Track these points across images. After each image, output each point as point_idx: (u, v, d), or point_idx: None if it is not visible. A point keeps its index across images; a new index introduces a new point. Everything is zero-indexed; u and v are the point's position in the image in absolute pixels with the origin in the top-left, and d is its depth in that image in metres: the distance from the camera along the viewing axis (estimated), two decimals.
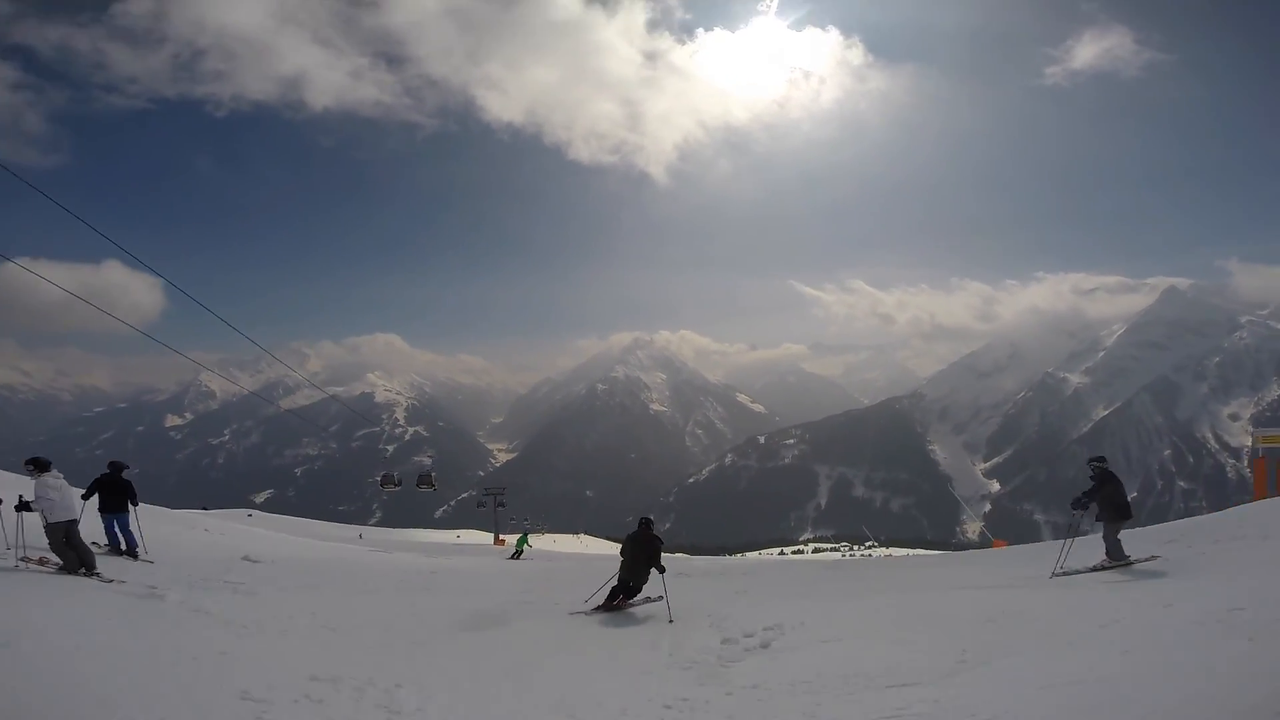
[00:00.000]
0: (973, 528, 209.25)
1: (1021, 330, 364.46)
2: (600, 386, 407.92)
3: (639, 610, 9.32)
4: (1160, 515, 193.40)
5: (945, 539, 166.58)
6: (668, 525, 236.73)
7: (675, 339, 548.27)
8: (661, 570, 9.05)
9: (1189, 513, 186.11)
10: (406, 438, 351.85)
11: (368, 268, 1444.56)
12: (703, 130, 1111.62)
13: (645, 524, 9.52)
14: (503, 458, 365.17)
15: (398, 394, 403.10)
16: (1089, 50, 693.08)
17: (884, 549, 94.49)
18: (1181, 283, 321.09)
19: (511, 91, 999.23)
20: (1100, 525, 10.33)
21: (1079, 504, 10.11)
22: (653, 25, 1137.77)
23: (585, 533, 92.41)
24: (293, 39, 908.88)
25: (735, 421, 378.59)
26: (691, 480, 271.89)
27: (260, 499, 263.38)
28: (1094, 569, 10.12)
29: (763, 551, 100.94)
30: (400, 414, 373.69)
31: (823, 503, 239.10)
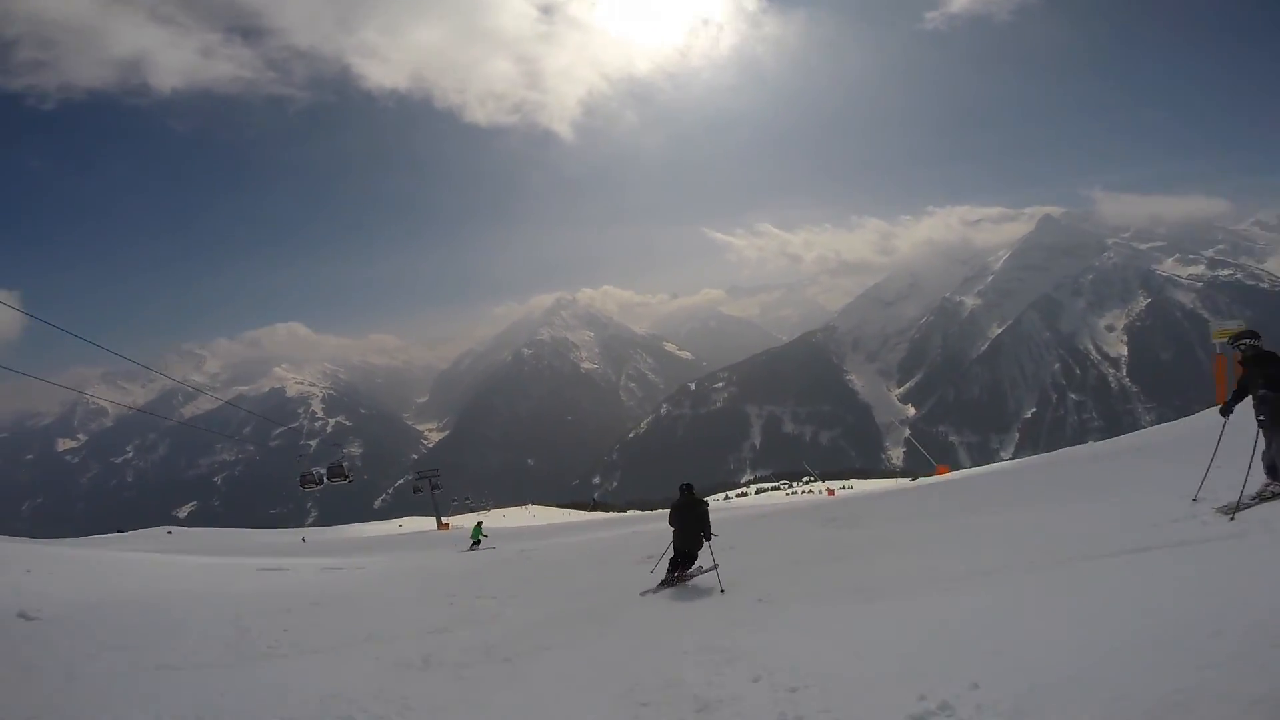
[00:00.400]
0: (895, 453, 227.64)
1: (918, 260, 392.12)
2: (527, 351, 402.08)
3: (699, 581, 8.90)
4: (1059, 428, 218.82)
5: (874, 466, 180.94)
6: (615, 484, 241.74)
7: (598, 295, 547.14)
8: (709, 537, 8.95)
9: (1082, 425, 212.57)
10: (329, 430, 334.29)
11: (256, 256, 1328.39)
12: (606, 83, 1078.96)
13: (687, 489, 9.26)
14: (434, 437, 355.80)
15: (311, 385, 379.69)
16: None
17: (822, 482, 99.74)
18: (1055, 210, 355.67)
19: (393, 57, 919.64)
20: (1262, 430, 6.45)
21: (1232, 406, 6.90)
22: None
23: (533, 503, 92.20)
24: (125, 20, 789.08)
25: (665, 371, 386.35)
26: (632, 435, 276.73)
27: (184, 513, 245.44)
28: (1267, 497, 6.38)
29: (711, 497, 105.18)
30: (317, 406, 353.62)
31: (757, 443, 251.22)
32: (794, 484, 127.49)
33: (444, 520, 49.27)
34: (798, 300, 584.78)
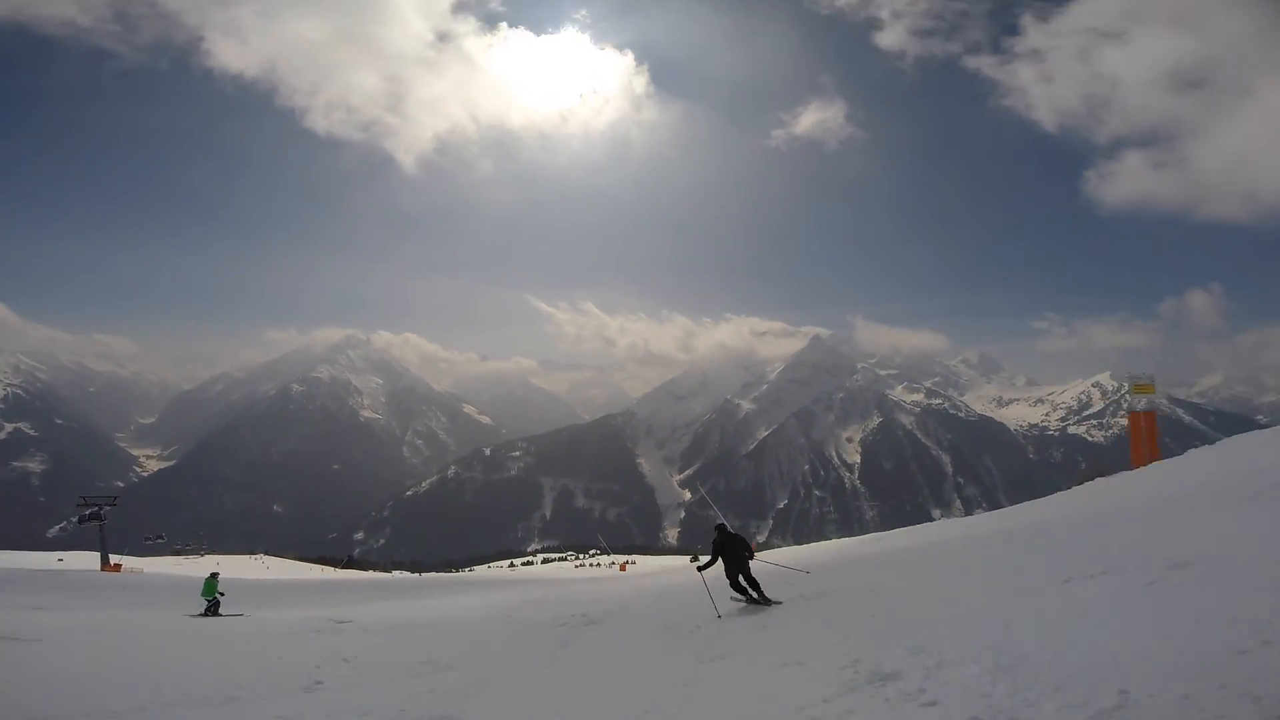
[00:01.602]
0: (672, 532, 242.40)
1: (711, 361, 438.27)
2: (296, 387, 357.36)
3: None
4: (803, 519, 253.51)
5: (653, 544, 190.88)
6: (382, 541, 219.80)
7: (398, 341, 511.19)
8: (752, 556, 10.34)
9: (822, 517, 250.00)
10: (2, 436, 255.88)
11: None
12: (474, 125, 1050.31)
13: (723, 528, 10.36)
14: (152, 465, 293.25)
15: None
16: (810, 118, 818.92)
17: (613, 555, 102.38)
18: (824, 332, 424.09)
19: (253, 42, 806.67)
20: None
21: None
22: (459, 7, 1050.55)
23: (265, 552, 78.60)
24: None
25: (460, 432, 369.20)
26: (410, 493, 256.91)
27: None
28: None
29: (491, 564, 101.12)
30: None
31: (547, 513, 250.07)
32: (581, 555, 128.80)
33: (114, 561, 40.44)
34: (605, 382, 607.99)
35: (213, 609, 15.87)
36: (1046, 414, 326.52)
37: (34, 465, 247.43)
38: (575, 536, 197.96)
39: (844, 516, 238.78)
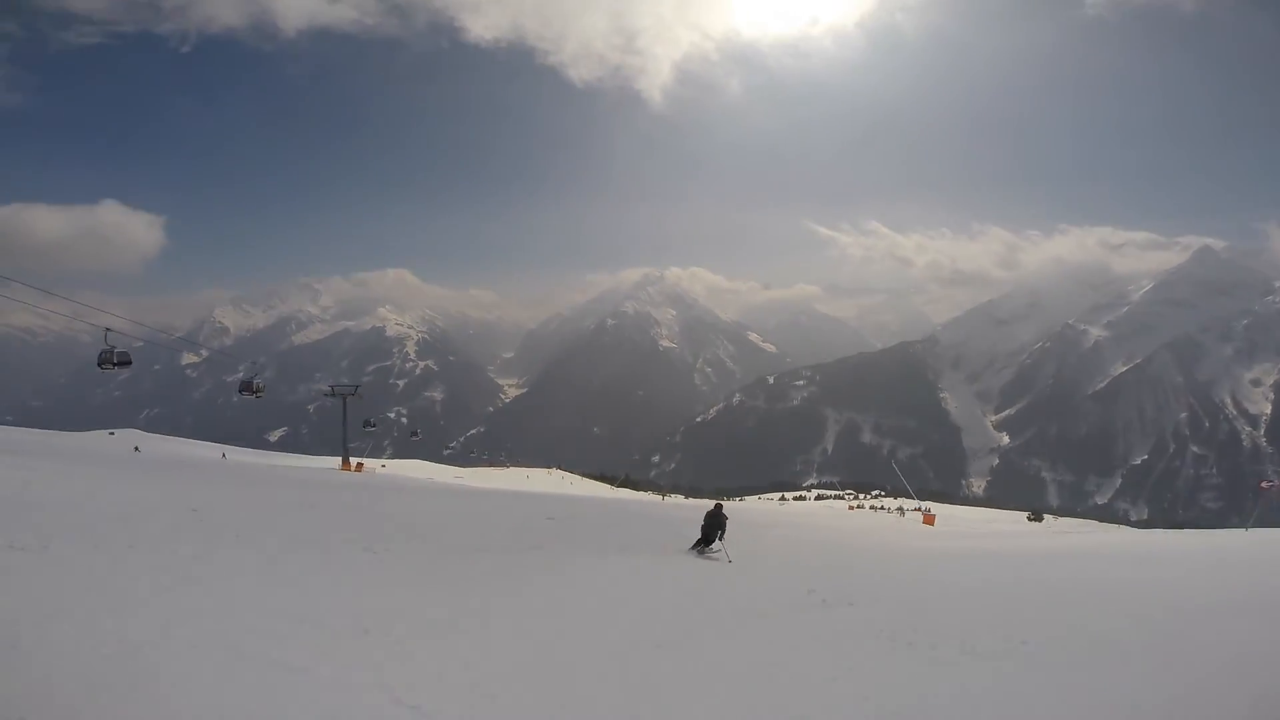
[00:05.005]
0: (978, 482, 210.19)
1: (1043, 279, 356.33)
2: (610, 321, 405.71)
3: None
4: (1170, 479, 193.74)
5: (952, 492, 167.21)
6: (673, 465, 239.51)
7: (686, 275, 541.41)
8: (722, 537, 13.28)
9: (1198, 479, 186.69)
10: (417, 372, 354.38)
11: (375, 200, 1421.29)
12: (710, 44, 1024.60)
13: (719, 506, 14.14)
14: (512, 393, 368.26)
15: (409, 328, 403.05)
16: None
17: (918, 501, 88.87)
18: (1216, 243, 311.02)
19: (489, 10, 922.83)
20: None
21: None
22: None
23: (560, 467, 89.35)
24: None
25: (745, 360, 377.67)
26: (699, 419, 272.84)
27: (275, 437, 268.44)
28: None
29: (762, 496, 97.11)
30: (411, 348, 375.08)
31: (829, 448, 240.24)
32: (860, 496, 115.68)
33: (358, 461, 41.83)
34: (901, 307, 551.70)
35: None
36: None
37: (437, 395, 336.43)
38: (859, 474, 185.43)
39: (1233, 484, 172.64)
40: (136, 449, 33.59)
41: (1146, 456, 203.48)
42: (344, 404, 40.55)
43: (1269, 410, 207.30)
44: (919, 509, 49.68)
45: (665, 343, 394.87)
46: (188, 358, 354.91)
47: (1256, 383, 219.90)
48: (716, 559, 12.46)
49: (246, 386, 29.77)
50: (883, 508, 62.38)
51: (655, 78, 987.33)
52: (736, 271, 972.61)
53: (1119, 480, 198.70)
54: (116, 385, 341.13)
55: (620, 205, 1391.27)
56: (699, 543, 13.09)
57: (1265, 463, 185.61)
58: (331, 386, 43.48)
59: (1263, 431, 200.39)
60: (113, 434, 49.44)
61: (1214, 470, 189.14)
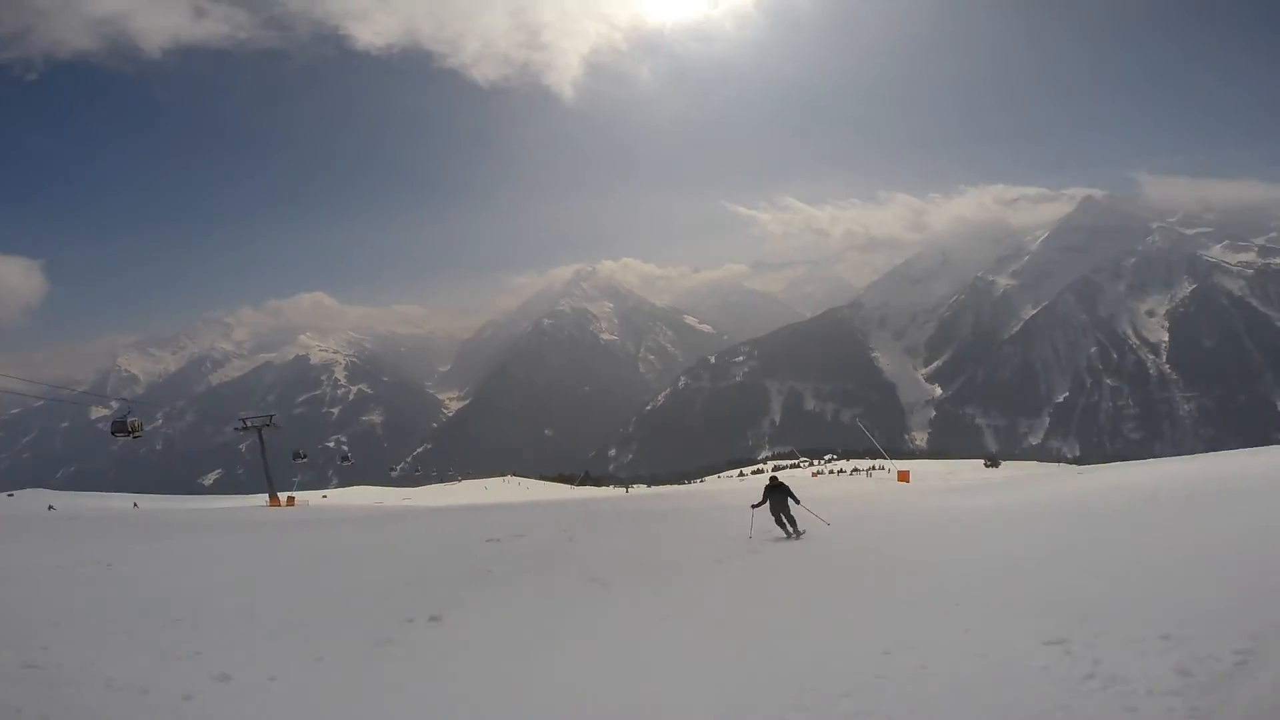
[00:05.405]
0: (920, 435, 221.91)
1: (950, 238, 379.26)
2: (547, 321, 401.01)
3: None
4: (1093, 414, 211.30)
5: (897, 447, 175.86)
6: (630, 457, 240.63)
7: (618, 267, 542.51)
8: (797, 501, 12.69)
9: (1118, 412, 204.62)
10: (350, 397, 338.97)
11: (277, 225, 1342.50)
12: (617, 34, 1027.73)
13: (775, 479, 13.10)
14: (454, 406, 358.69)
15: (335, 353, 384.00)
16: None
17: (887, 460, 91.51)
18: (1096, 192, 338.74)
19: (378, 17, 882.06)
20: None
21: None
22: None
23: (513, 473, 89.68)
24: None
25: (685, 343, 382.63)
26: (649, 407, 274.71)
27: (210, 480, 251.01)
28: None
29: (722, 475, 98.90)
30: (340, 373, 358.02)
31: (776, 419, 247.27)
32: (815, 462, 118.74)
33: (287, 495, 38.95)
34: (823, 276, 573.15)
35: None
36: None
37: (376, 418, 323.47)
38: (808, 440, 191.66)
39: (1148, 412, 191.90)
40: (51, 508, 30.54)
41: (1068, 394, 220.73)
42: (259, 436, 38.27)
43: (1166, 338, 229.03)
44: (881, 468, 50.40)
45: (606, 336, 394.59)
46: (98, 411, 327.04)
47: (1151, 313, 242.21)
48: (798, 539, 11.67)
49: (120, 427, 27.03)
50: (841, 470, 63.47)
51: (565, 72, 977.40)
52: (666, 258, 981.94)
53: (1047, 420, 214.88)
54: (24, 447, 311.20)
55: (543, 204, 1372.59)
56: (781, 525, 12.22)
57: (1172, 388, 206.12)
58: (244, 420, 40.07)
59: (1165, 359, 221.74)
60: (11, 495, 45.39)
61: (1130, 401, 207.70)
